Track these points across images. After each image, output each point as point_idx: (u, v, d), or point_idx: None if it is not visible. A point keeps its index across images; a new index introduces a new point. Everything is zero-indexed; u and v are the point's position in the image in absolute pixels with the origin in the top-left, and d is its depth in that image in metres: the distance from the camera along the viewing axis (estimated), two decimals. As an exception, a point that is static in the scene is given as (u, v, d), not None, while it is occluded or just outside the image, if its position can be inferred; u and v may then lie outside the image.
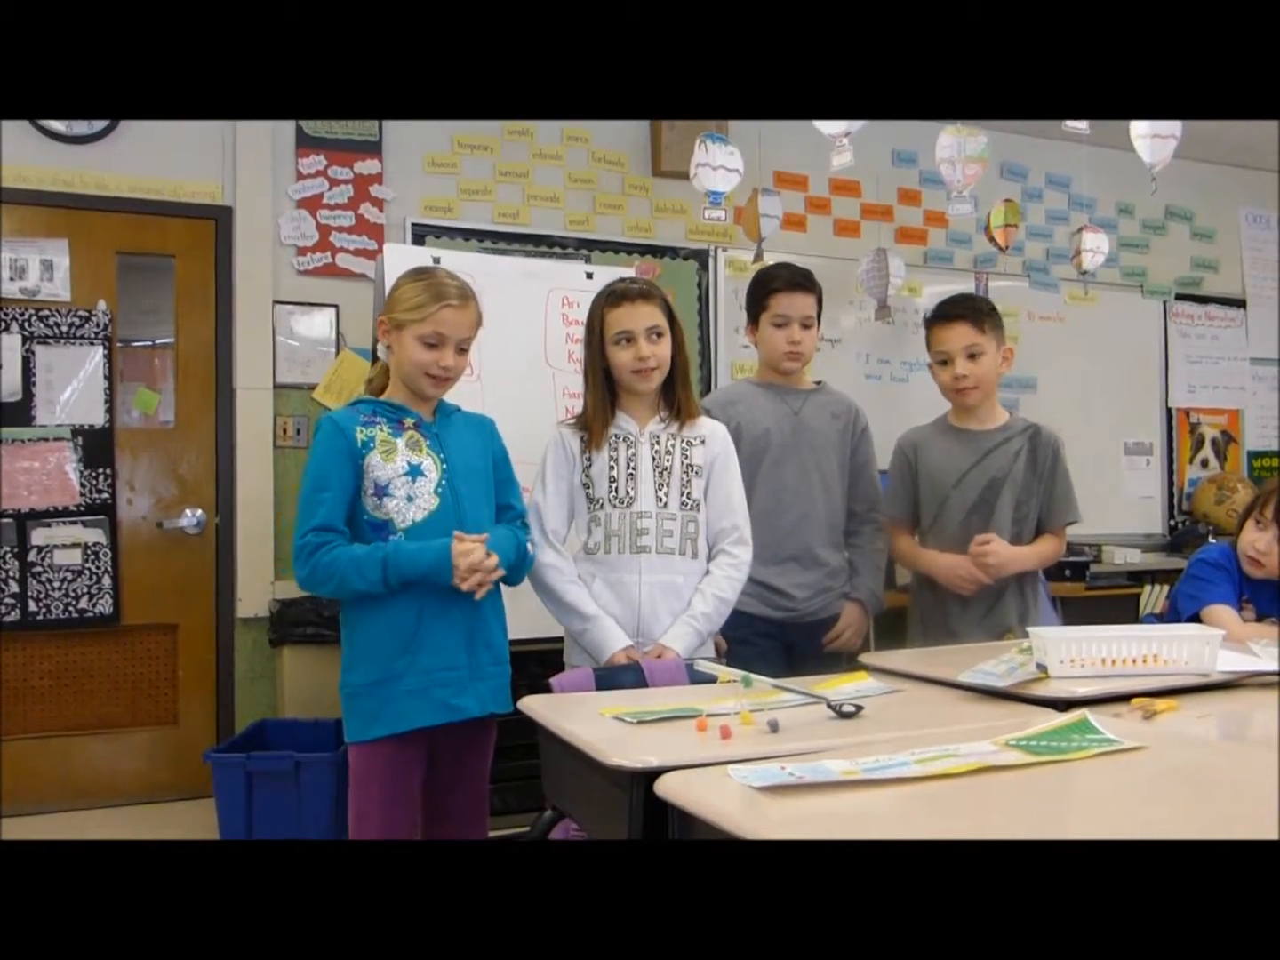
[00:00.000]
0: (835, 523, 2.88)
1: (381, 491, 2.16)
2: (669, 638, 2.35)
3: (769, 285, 2.85)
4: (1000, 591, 2.70)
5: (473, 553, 2.12)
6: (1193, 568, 2.64)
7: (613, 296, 2.42)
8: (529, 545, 2.33)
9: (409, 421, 2.23)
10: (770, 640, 2.76)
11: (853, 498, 2.90)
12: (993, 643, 2.46)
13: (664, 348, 2.41)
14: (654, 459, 2.44)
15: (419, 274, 2.27)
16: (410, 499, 2.18)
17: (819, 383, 2.99)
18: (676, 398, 2.47)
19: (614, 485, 2.42)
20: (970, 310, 2.73)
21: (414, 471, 2.19)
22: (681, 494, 2.44)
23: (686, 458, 2.45)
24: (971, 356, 2.71)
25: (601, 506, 2.43)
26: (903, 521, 2.85)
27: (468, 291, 2.27)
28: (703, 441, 2.48)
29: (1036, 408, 5.32)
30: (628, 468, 2.43)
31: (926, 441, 2.83)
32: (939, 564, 2.71)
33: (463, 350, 2.26)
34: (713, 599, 2.41)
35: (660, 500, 2.42)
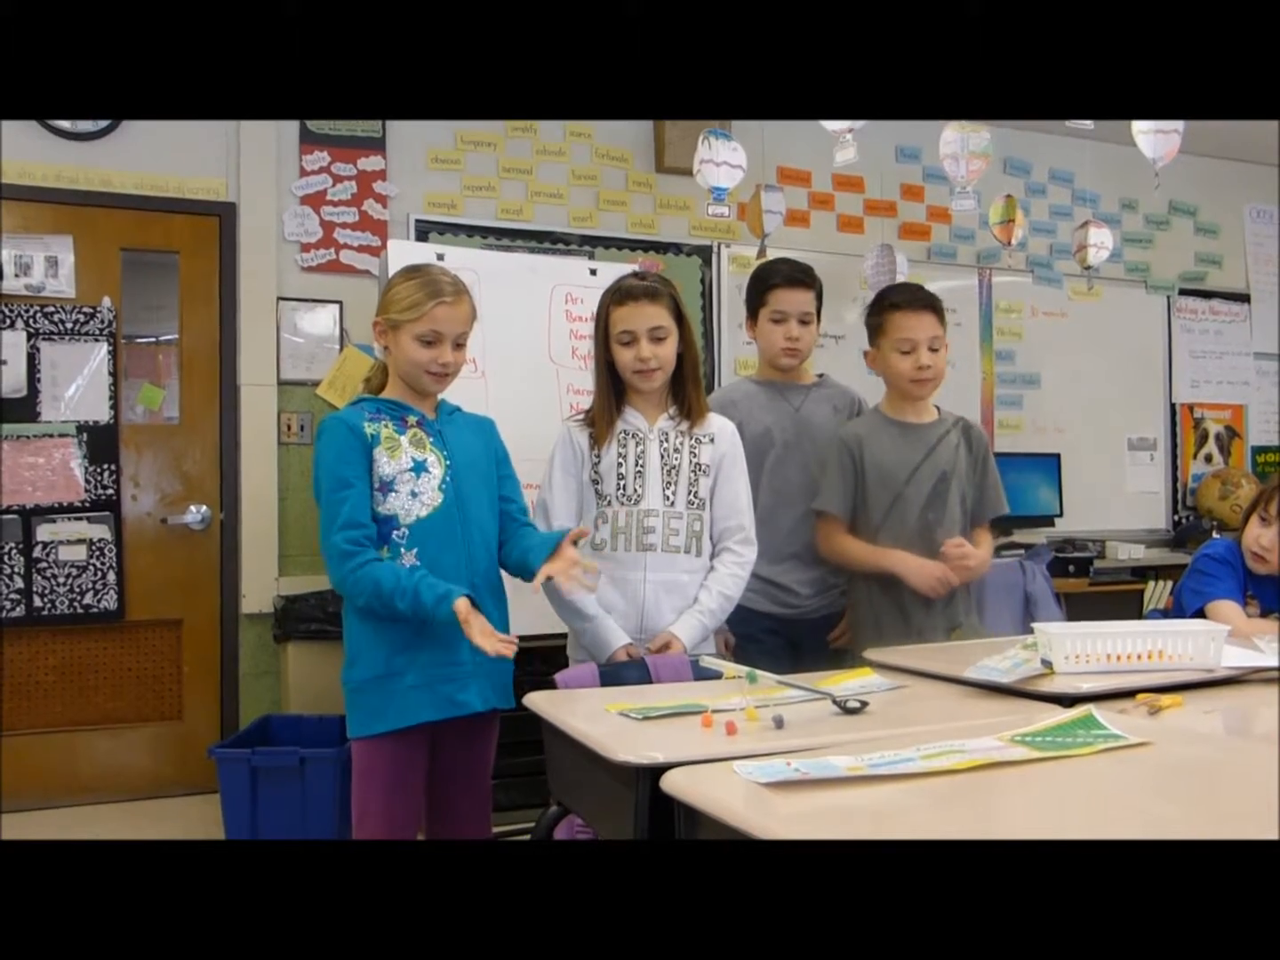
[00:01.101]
0: None
1: (386, 487, 2.17)
2: (676, 628, 2.36)
3: (768, 281, 2.84)
4: (953, 588, 2.63)
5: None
6: (1197, 563, 2.63)
7: (618, 294, 2.42)
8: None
9: (412, 419, 2.24)
10: (776, 637, 2.77)
11: None
12: (997, 639, 2.46)
13: (667, 348, 2.41)
14: (662, 457, 2.44)
15: (411, 272, 2.27)
16: (415, 495, 2.18)
17: (821, 376, 2.98)
18: (686, 396, 2.47)
19: (621, 483, 2.42)
20: (935, 301, 2.69)
21: (419, 468, 2.19)
22: (689, 493, 2.44)
23: (695, 456, 2.45)
24: (933, 349, 2.66)
25: (609, 504, 2.43)
26: (841, 518, 2.69)
27: (460, 286, 2.26)
28: (711, 439, 2.48)
29: (1040, 404, 5.34)
30: (636, 465, 2.43)
31: (871, 436, 2.70)
32: (908, 565, 2.58)
33: (460, 345, 2.26)
34: (719, 595, 2.41)
35: (667, 499, 2.42)
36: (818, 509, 2.72)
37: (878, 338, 2.72)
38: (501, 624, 2.30)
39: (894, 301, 2.70)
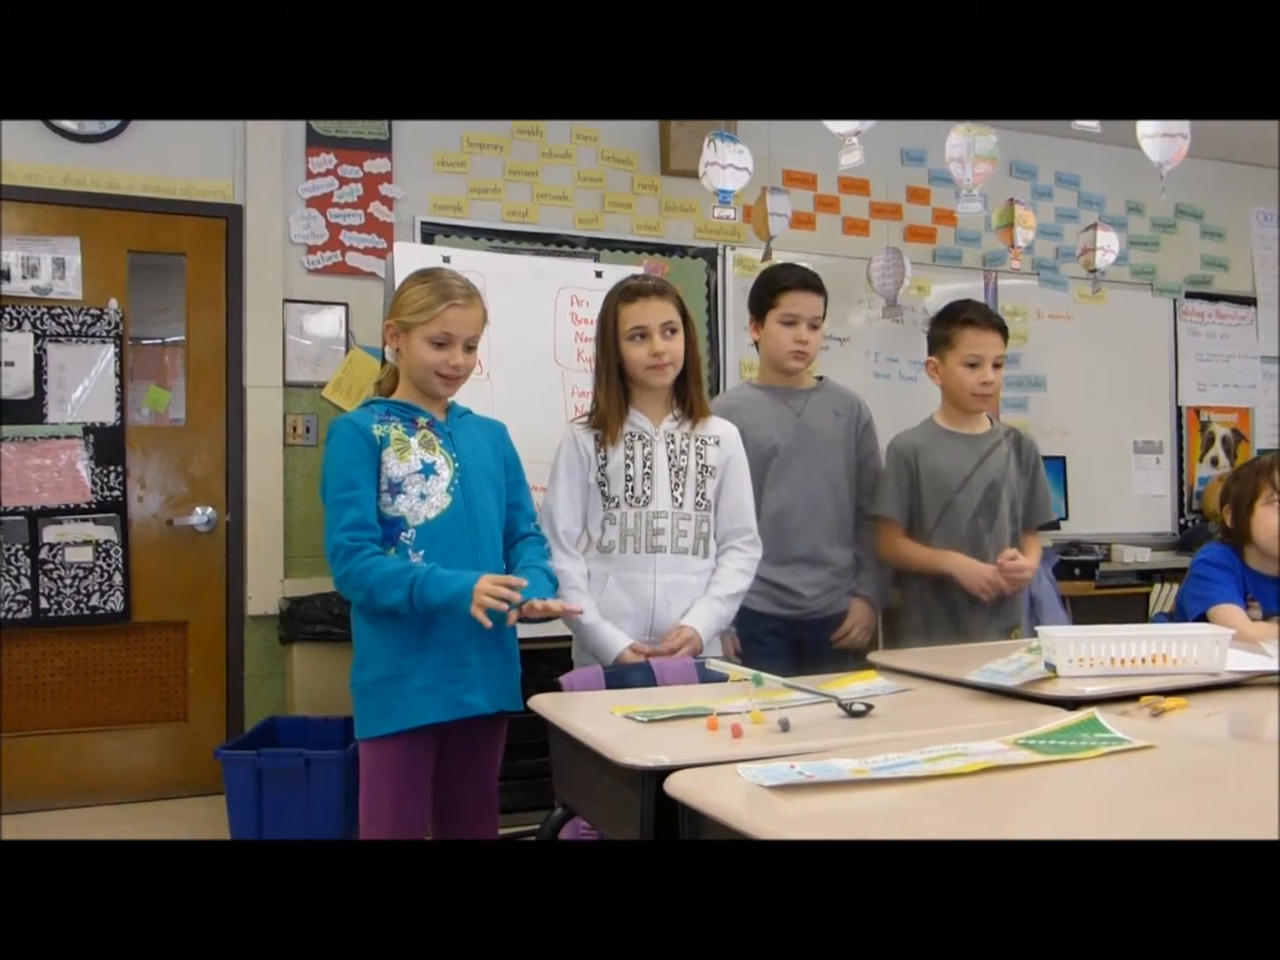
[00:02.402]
0: (844, 519, 2.88)
1: (395, 489, 2.17)
2: (691, 619, 2.37)
3: (779, 283, 2.85)
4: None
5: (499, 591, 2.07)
6: (1196, 568, 2.62)
7: (627, 293, 2.43)
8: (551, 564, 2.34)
9: (422, 421, 2.24)
10: (779, 638, 2.77)
11: (858, 492, 2.90)
12: (1000, 642, 2.46)
13: (678, 344, 2.42)
14: (669, 458, 2.44)
15: (423, 276, 2.28)
16: (423, 496, 2.19)
17: (821, 379, 2.99)
18: (689, 395, 2.47)
19: (630, 484, 2.42)
20: (1001, 322, 2.86)
21: (428, 470, 2.20)
22: (696, 494, 2.44)
23: (701, 458, 2.46)
24: (996, 366, 2.82)
25: (617, 505, 2.43)
26: (900, 523, 2.84)
27: (472, 290, 2.28)
28: (717, 442, 2.49)
29: (1046, 406, 5.33)
30: (644, 467, 2.43)
31: (926, 445, 2.85)
32: (962, 567, 2.71)
33: (470, 348, 2.27)
34: (729, 588, 2.43)
35: (676, 500, 2.43)
36: (876, 514, 2.86)
37: (944, 349, 2.85)
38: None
39: (968, 317, 2.84)
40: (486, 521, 2.26)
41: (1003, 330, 2.85)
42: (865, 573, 2.89)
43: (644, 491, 2.42)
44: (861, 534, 2.91)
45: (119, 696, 3.98)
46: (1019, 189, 5.02)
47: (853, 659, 2.75)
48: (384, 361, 2.45)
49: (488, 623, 2.04)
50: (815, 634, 2.81)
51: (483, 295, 2.31)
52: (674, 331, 2.41)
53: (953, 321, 2.85)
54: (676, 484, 2.44)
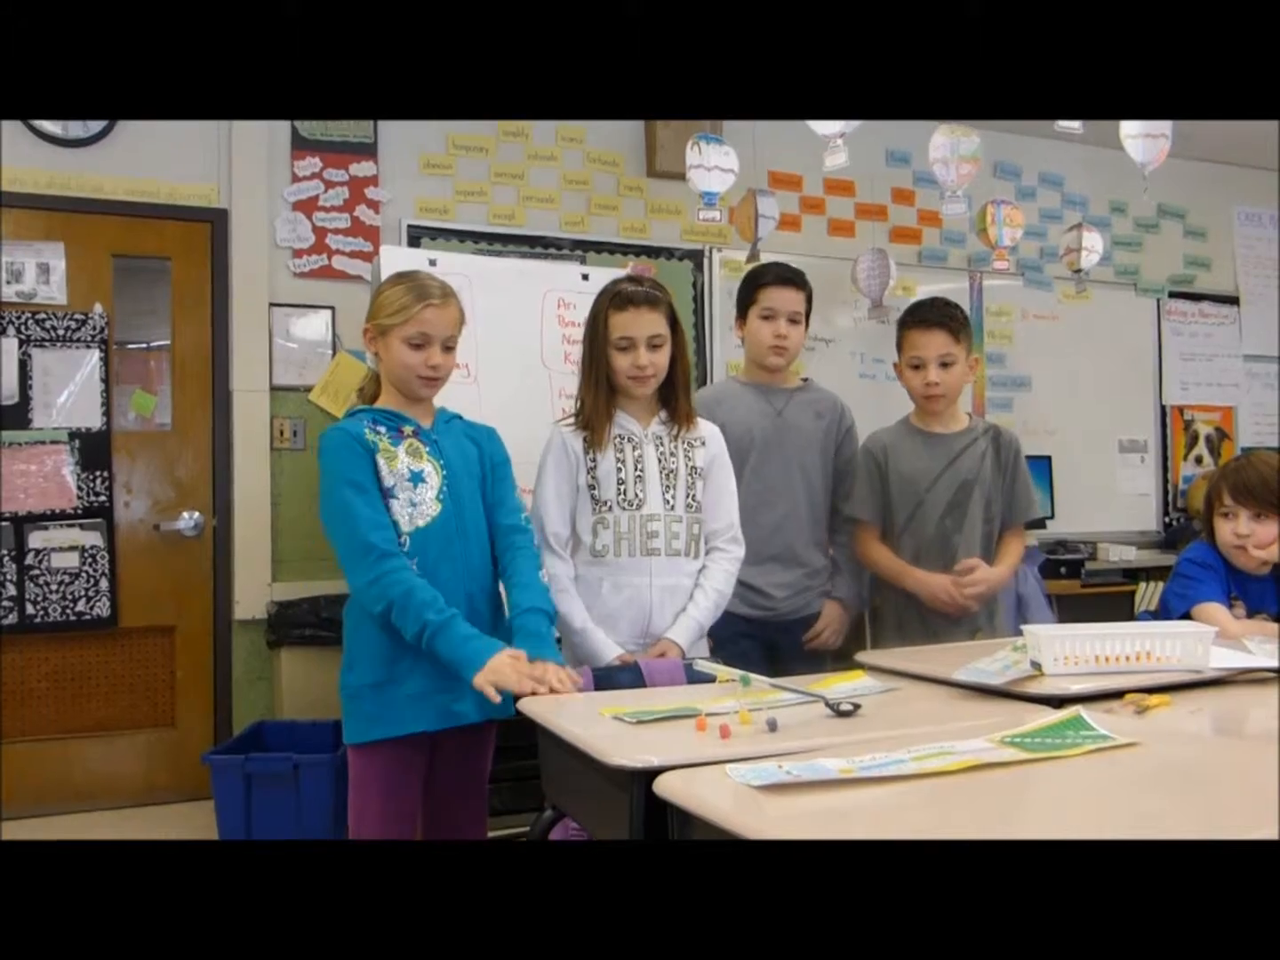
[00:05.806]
0: (819, 520, 2.88)
1: (386, 495, 2.16)
2: (673, 633, 2.38)
3: (759, 279, 2.88)
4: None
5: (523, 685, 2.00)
6: (1180, 567, 2.63)
7: (618, 299, 2.41)
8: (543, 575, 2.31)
9: (407, 429, 2.24)
10: (750, 640, 2.76)
11: (837, 495, 2.91)
12: (986, 641, 2.47)
13: (663, 356, 2.41)
14: (659, 460, 2.44)
15: (399, 278, 2.28)
16: (414, 504, 2.18)
17: (805, 380, 3.00)
18: (676, 403, 2.47)
19: (622, 487, 2.41)
20: (947, 319, 2.78)
21: (416, 478, 2.19)
22: (687, 495, 2.45)
23: (690, 459, 2.46)
24: (944, 365, 2.77)
25: (610, 509, 2.42)
26: (873, 524, 2.83)
27: (448, 289, 2.27)
28: (703, 443, 2.49)
29: (1031, 406, 5.35)
30: (635, 469, 2.42)
31: (896, 445, 2.84)
32: (923, 584, 2.72)
33: (449, 348, 2.26)
34: (713, 593, 2.43)
35: (668, 503, 2.43)
36: (849, 516, 2.85)
37: (898, 353, 2.87)
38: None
39: (904, 320, 2.85)
40: (476, 528, 2.25)
41: (948, 327, 2.76)
42: (839, 575, 2.90)
43: (637, 494, 2.42)
44: (838, 538, 2.92)
45: (106, 702, 3.97)
46: (1003, 190, 5.03)
47: (828, 660, 2.76)
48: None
49: (496, 698, 2.00)
50: (787, 636, 2.82)
51: (468, 298, 2.31)
52: (659, 344, 2.41)
53: (901, 324, 2.86)
54: (668, 486, 2.43)
